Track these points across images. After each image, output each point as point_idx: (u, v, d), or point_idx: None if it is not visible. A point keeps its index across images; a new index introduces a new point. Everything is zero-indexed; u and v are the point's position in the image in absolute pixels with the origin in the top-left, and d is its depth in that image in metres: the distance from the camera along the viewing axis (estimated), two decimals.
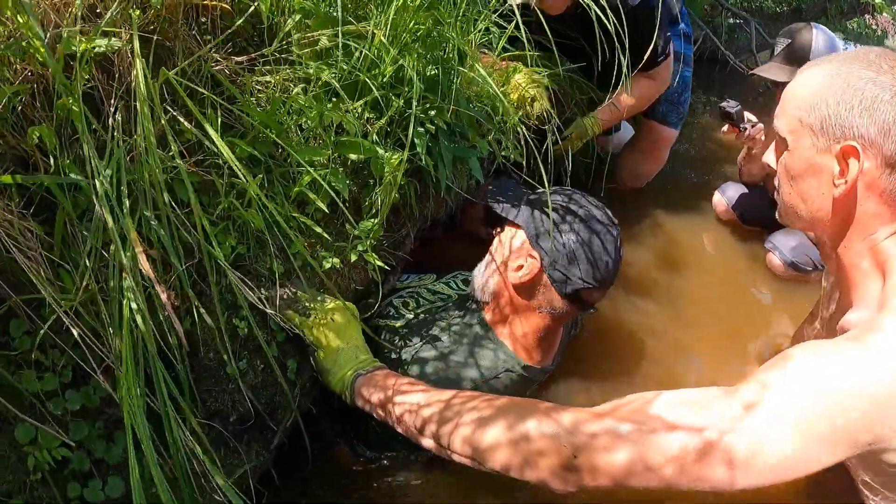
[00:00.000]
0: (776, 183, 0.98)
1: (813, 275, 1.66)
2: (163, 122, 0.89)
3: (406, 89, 1.11)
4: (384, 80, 1.08)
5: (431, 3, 1.06)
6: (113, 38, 0.92)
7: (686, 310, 1.52)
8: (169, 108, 0.95)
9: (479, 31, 1.17)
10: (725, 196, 1.84)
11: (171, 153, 0.91)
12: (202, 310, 0.91)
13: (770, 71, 1.55)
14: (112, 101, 0.93)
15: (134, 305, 0.77)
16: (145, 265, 0.66)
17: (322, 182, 0.97)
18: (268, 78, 1.08)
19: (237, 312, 1.00)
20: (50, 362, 0.89)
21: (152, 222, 0.85)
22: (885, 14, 2.97)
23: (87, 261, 0.80)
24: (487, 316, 1.17)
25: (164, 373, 0.82)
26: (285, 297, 1.02)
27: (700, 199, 1.94)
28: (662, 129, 1.84)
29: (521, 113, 1.45)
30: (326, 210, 0.97)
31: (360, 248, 1.05)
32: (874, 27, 3.32)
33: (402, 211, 1.18)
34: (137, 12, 0.96)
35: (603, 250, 1.08)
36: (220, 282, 1.00)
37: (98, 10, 0.97)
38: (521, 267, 1.10)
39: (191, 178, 0.94)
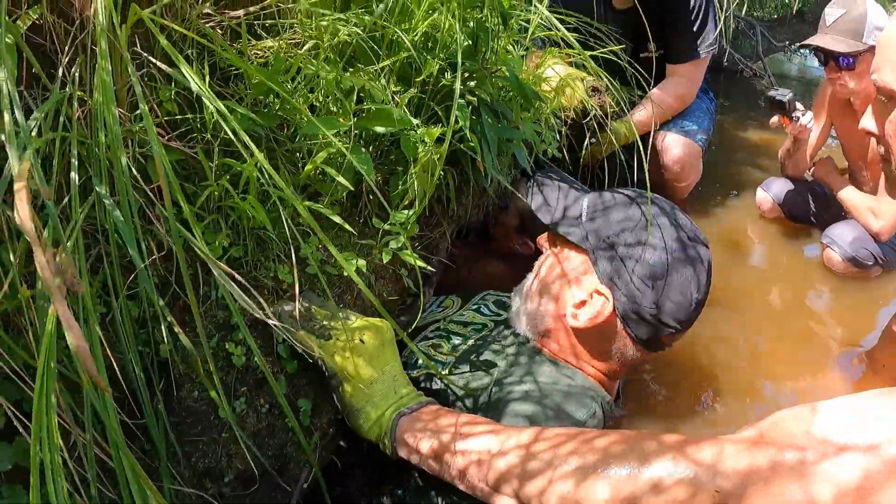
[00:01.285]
0: (881, 149, 0.83)
1: (873, 270, 1.47)
2: (132, 74, 0.64)
3: (440, 53, 0.87)
4: (414, 38, 0.85)
5: None
6: None
7: (750, 315, 1.33)
8: (143, 57, 0.70)
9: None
10: (770, 193, 1.65)
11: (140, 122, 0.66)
12: (178, 329, 0.64)
13: (826, 41, 1.39)
14: (67, 48, 0.68)
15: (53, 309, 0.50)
16: (24, 209, 0.37)
17: (345, 152, 0.72)
18: (269, 43, 0.84)
19: (231, 334, 0.73)
20: None
21: (106, 201, 0.59)
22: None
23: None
24: (548, 352, 0.88)
25: (115, 420, 0.55)
26: (295, 313, 0.75)
27: (742, 196, 1.76)
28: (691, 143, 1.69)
29: (560, 103, 1.24)
30: (352, 186, 0.72)
31: (393, 245, 0.79)
32: None
33: (436, 206, 0.94)
34: None
35: (694, 282, 0.80)
36: (208, 294, 0.73)
37: None
38: (583, 304, 0.81)
39: (170, 156, 0.68)
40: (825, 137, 1.65)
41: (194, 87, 0.64)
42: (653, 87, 1.50)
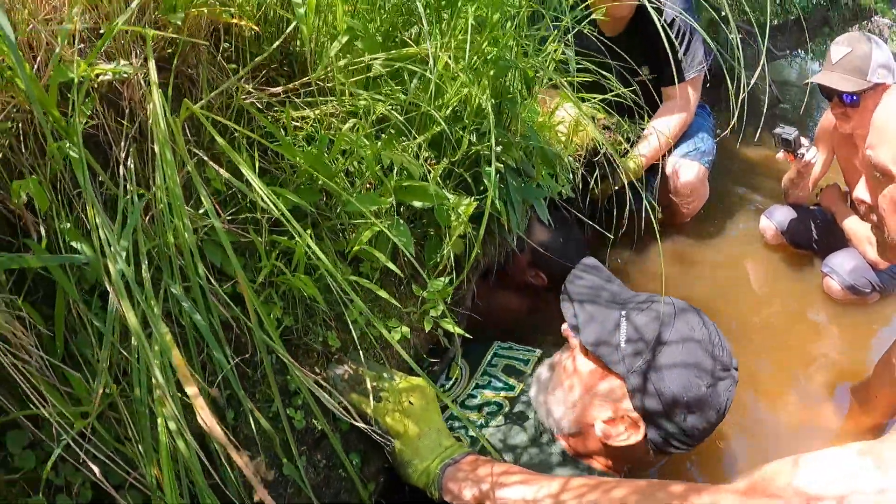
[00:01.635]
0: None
1: (870, 297, 1.54)
2: (189, 167, 0.68)
3: (469, 122, 0.92)
4: (446, 112, 0.90)
5: (498, 22, 0.88)
6: (122, 63, 0.71)
7: (752, 344, 1.39)
8: (195, 150, 0.75)
9: (548, 56, 0.99)
10: (774, 220, 1.71)
11: (201, 210, 0.71)
12: (251, 405, 0.70)
13: (831, 79, 1.43)
14: (122, 143, 0.72)
15: (172, 425, 0.56)
16: (203, 411, 0.45)
17: (388, 234, 0.77)
18: (307, 112, 0.88)
19: (290, 400, 0.80)
20: (62, 481, 0.67)
21: (184, 304, 0.65)
22: (886, 18, 2.92)
23: (99, 358, 0.59)
24: (567, 447, 0.92)
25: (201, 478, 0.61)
26: (346, 376, 0.82)
27: (745, 221, 1.81)
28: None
29: (574, 144, 1.28)
30: (399, 271, 0.78)
31: (433, 313, 0.85)
32: (876, 31, 3.29)
33: (463, 262, 1.00)
34: (152, 32, 0.75)
35: (720, 410, 0.83)
36: (264, 361, 0.79)
37: (102, 30, 0.76)
38: (612, 422, 0.84)
39: (229, 238, 0.73)
40: (828, 166, 1.70)
41: (248, 179, 0.69)
42: (650, 111, 1.52)
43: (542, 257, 1.37)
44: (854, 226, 1.57)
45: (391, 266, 0.75)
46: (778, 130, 1.52)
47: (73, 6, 0.68)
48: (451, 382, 1.02)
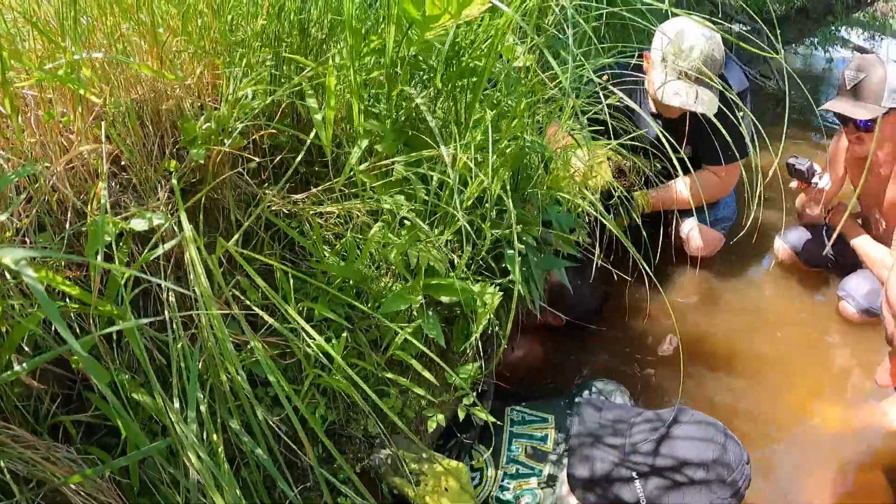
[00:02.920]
0: None
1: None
2: (226, 294, 0.71)
3: (489, 210, 0.93)
4: (467, 204, 0.91)
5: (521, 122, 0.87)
6: (154, 214, 0.72)
7: (771, 378, 1.40)
8: (230, 279, 0.77)
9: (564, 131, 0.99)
10: (788, 242, 1.70)
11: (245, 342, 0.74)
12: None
13: (850, 108, 1.40)
14: (164, 289, 0.75)
15: None
16: None
17: (417, 344, 0.79)
18: (330, 208, 0.90)
19: (338, 489, 0.83)
20: None
21: (244, 438, 0.68)
22: (891, 2, 2.81)
23: None
24: None
25: None
26: (388, 460, 0.85)
27: (759, 242, 1.79)
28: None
29: (588, 195, 1.28)
30: (429, 376, 0.80)
31: (465, 401, 0.88)
32: (878, 15, 3.16)
33: (491, 335, 1.02)
34: (174, 163, 0.76)
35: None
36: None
37: (123, 163, 0.77)
38: None
39: (271, 361, 0.76)
40: (840, 185, 1.68)
41: (288, 317, 0.71)
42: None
43: (559, 300, 1.38)
44: (866, 248, 1.55)
45: (424, 371, 0.77)
46: (791, 161, 1.50)
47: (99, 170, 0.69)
48: (476, 479, 1.04)
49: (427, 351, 0.84)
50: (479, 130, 0.84)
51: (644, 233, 1.36)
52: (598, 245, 1.34)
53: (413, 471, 0.85)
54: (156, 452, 0.63)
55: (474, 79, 0.86)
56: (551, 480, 1.01)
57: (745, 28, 2.63)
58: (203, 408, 0.68)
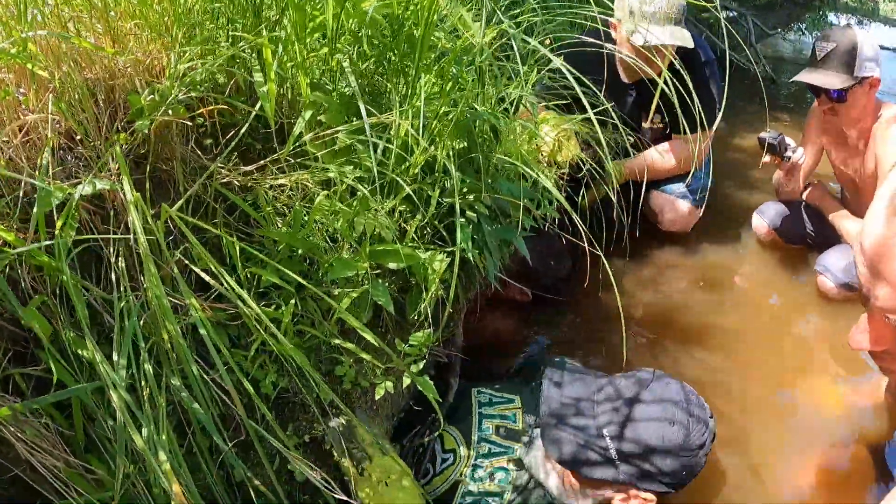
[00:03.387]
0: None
1: None
2: (171, 264, 0.73)
3: (437, 178, 0.94)
4: (414, 171, 0.92)
5: (460, 84, 0.89)
6: (100, 180, 0.74)
7: (746, 353, 1.38)
8: (176, 252, 0.79)
9: (514, 102, 0.99)
10: (766, 219, 1.67)
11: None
12: (250, 475, 0.75)
13: (820, 78, 1.38)
14: (111, 248, 0.77)
15: None
16: None
17: (354, 319, 0.80)
18: (282, 181, 0.91)
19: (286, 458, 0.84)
20: None
21: (182, 394, 0.69)
22: None
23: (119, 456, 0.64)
24: None
25: None
26: (340, 434, 0.86)
27: (737, 219, 1.77)
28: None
29: (554, 169, 1.29)
30: (374, 341, 0.81)
31: (414, 368, 0.88)
32: (866, 0, 3.11)
33: (447, 306, 1.02)
34: (122, 135, 0.79)
35: (707, 451, 0.97)
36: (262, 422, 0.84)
37: (78, 137, 0.80)
38: (626, 500, 0.96)
39: (216, 315, 0.78)
40: (817, 160, 1.65)
41: (228, 283, 0.73)
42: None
43: (526, 273, 1.38)
44: (844, 222, 1.53)
45: (370, 337, 0.78)
46: (763, 135, 1.48)
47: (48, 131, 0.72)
48: (449, 459, 1.03)
49: (355, 323, 0.84)
50: (419, 98, 0.85)
51: (616, 206, 1.36)
52: (565, 218, 1.34)
53: (360, 456, 0.85)
54: (83, 393, 0.65)
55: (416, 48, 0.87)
56: (524, 458, 1.00)
57: (731, 14, 2.61)
58: (148, 366, 0.70)
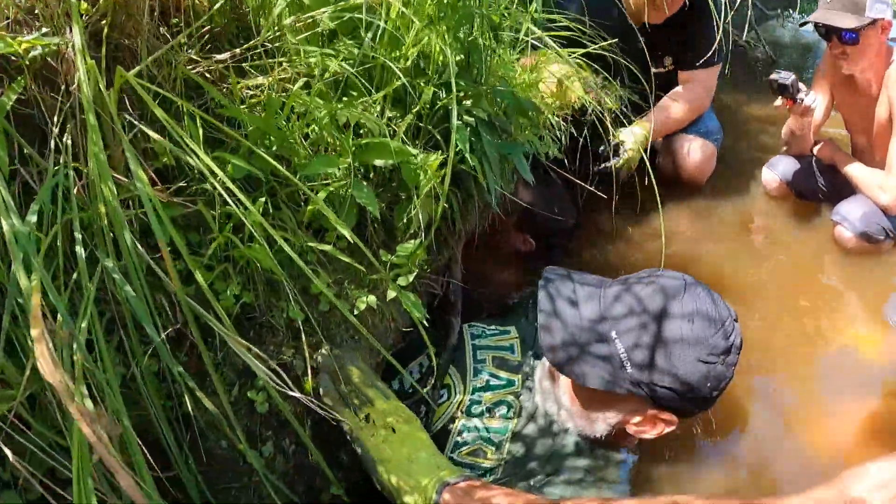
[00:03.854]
0: None
1: (884, 244, 1.42)
2: (123, 141, 0.61)
3: (432, 74, 0.84)
4: (406, 64, 0.81)
5: None
6: (51, 37, 0.64)
7: (767, 303, 1.29)
8: (133, 121, 0.67)
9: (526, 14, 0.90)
10: (777, 172, 1.59)
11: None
12: (200, 394, 0.62)
13: (832, 18, 1.32)
14: (57, 118, 0.65)
15: (89, 403, 0.48)
16: (46, 360, 0.35)
17: (339, 198, 0.69)
18: (259, 80, 0.80)
19: (252, 381, 0.71)
20: (9, 475, 0.61)
21: (115, 276, 0.57)
22: None
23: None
24: (582, 438, 0.84)
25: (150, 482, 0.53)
26: (321, 359, 0.74)
27: (747, 176, 1.70)
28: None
29: (556, 102, 1.19)
30: (350, 237, 0.69)
31: (401, 281, 0.76)
32: None
33: (443, 227, 0.91)
34: (84, 5, 0.68)
35: (733, 368, 0.77)
36: (223, 347, 0.71)
37: (37, 11, 0.69)
38: (643, 423, 0.79)
39: (169, 212, 0.66)
40: (828, 113, 1.59)
41: (186, 149, 0.61)
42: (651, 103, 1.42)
43: (529, 221, 1.28)
44: (858, 171, 1.45)
45: (346, 233, 0.67)
46: (774, 76, 1.41)
47: None
48: (444, 396, 0.90)
49: (332, 217, 0.73)
50: None
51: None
52: (569, 162, 1.25)
53: (361, 401, 0.73)
54: None
55: None
56: (525, 390, 0.89)
57: None
58: (80, 249, 0.58)
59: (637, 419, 0.78)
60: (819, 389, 1.09)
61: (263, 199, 0.72)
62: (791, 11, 2.83)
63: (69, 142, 0.65)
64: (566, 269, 0.86)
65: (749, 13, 2.53)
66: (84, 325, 0.53)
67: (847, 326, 1.23)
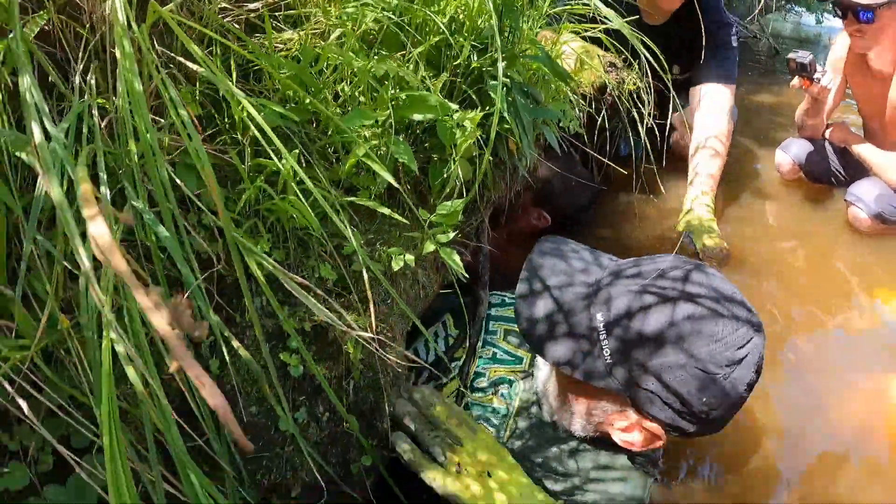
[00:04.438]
0: None
1: None
2: (158, 79, 0.57)
3: (468, 33, 0.81)
4: (444, 20, 0.78)
5: None
6: None
7: (785, 281, 1.28)
8: (164, 57, 0.63)
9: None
10: (790, 154, 1.60)
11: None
12: (237, 344, 0.58)
13: None
14: (81, 55, 0.61)
15: (120, 348, 0.43)
16: (108, 244, 0.30)
17: (374, 158, 0.65)
18: (290, 35, 0.77)
19: (283, 343, 0.68)
20: (17, 445, 0.56)
21: (146, 216, 0.53)
22: None
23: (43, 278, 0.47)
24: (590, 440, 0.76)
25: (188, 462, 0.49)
26: (398, 406, 0.71)
27: (759, 160, 1.70)
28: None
29: (579, 79, 1.17)
30: (393, 179, 0.66)
31: (441, 238, 0.73)
32: None
33: (474, 192, 0.88)
34: None
35: (747, 380, 0.63)
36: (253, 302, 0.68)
37: None
38: (630, 429, 0.68)
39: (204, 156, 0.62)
40: (841, 95, 1.59)
41: (221, 87, 0.58)
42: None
43: (545, 196, 1.26)
44: (872, 154, 1.46)
45: (389, 178, 0.63)
46: (791, 55, 1.40)
47: None
48: (456, 369, 0.86)
49: (377, 167, 0.70)
50: None
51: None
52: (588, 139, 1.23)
53: (440, 439, 0.67)
54: None
55: None
56: (531, 369, 0.85)
57: None
58: (105, 189, 0.54)
59: (622, 423, 0.67)
60: (847, 362, 1.08)
61: (298, 151, 0.68)
62: (792, 5, 2.86)
63: (94, 81, 0.60)
64: (567, 239, 0.77)
65: (760, 3, 2.54)
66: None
67: (868, 305, 1.23)
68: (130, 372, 0.39)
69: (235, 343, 0.55)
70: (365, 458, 0.71)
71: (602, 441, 0.74)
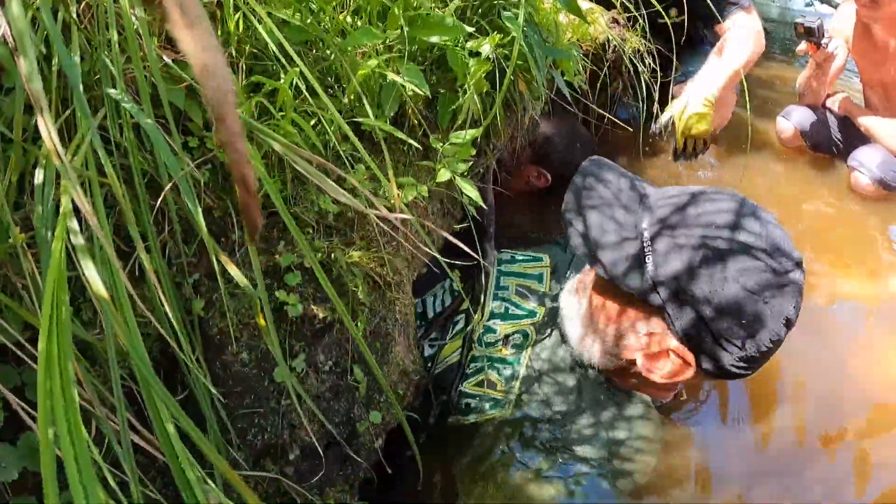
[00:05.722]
0: None
1: None
2: None
3: None
4: None
5: None
6: None
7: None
8: None
9: None
10: (792, 120, 1.58)
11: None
12: (235, 270, 0.50)
13: None
14: None
15: (76, 240, 0.35)
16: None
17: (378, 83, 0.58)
18: None
19: (281, 282, 0.60)
20: None
21: (125, 105, 0.45)
22: None
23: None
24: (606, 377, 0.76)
25: (166, 398, 0.41)
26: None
27: (758, 128, 1.68)
28: None
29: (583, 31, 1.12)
30: (423, 90, 0.59)
31: (460, 167, 0.67)
32: None
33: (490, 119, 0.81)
34: None
35: (785, 315, 0.63)
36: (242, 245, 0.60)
37: None
38: (656, 357, 0.67)
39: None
40: (841, 68, 1.59)
41: None
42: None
43: (545, 154, 1.21)
44: (874, 122, 1.47)
45: (412, 84, 0.56)
46: (800, 20, 1.38)
47: None
48: (460, 323, 0.82)
49: (397, 78, 0.63)
50: None
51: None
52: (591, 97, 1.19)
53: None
54: None
55: None
56: (548, 324, 0.81)
57: None
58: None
59: (653, 349, 0.66)
60: (872, 329, 1.06)
61: (298, 70, 0.60)
62: None
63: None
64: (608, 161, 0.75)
65: None
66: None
67: (878, 268, 1.22)
68: (88, 266, 0.31)
69: (233, 269, 0.47)
70: (374, 414, 0.64)
71: (620, 374, 0.73)
